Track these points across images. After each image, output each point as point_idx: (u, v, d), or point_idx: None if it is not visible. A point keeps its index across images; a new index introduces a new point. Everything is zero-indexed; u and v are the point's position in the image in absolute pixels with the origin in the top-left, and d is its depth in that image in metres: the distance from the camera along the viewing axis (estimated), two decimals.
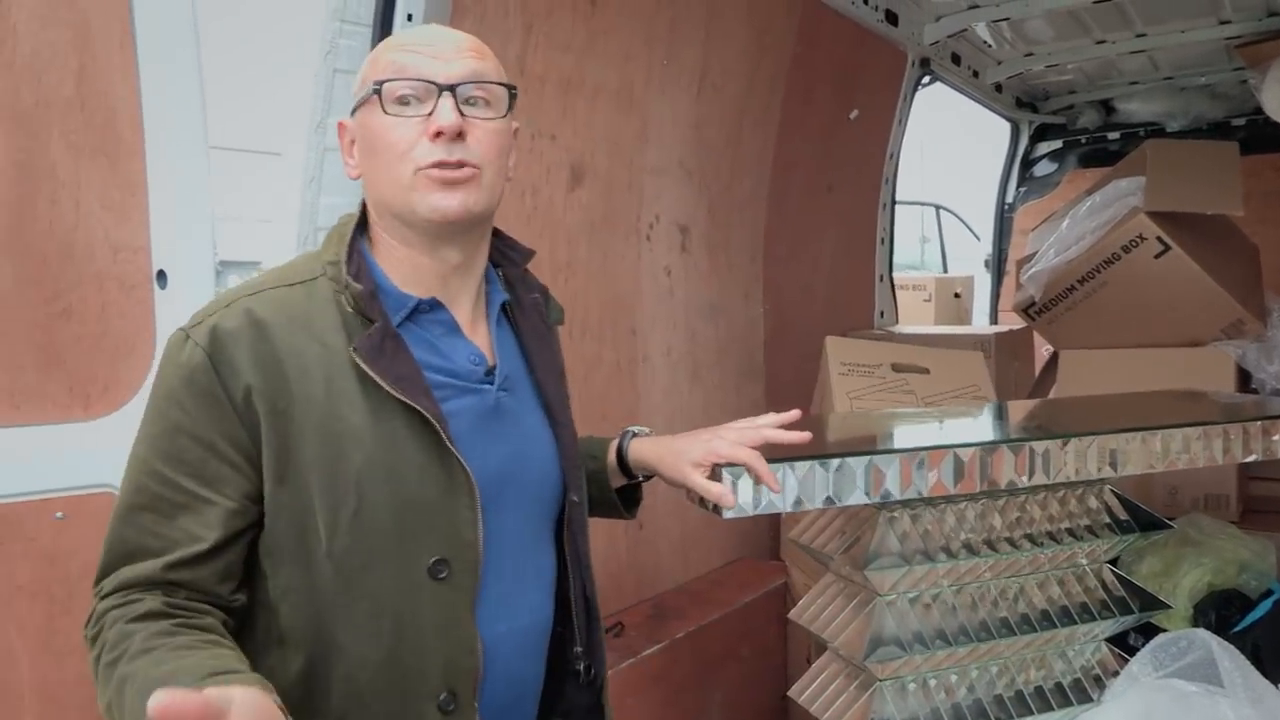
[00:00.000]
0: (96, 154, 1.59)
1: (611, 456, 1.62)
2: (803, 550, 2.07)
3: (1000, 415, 2.38)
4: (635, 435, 1.63)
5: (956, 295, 6.53)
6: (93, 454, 1.58)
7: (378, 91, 1.26)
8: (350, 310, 1.26)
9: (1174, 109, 5.06)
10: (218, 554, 1.21)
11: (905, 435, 2.02)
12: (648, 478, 1.63)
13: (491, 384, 1.35)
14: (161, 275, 1.67)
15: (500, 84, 1.33)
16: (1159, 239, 3.21)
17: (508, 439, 1.35)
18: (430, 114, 1.26)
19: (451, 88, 1.26)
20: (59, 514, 1.56)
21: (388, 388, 1.22)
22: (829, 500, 1.63)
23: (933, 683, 1.95)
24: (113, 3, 1.58)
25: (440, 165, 1.26)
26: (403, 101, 1.27)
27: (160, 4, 1.63)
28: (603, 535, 1.44)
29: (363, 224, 1.36)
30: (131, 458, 1.24)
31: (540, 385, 1.44)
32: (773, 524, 3.40)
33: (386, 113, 1.26)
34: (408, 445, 1.24)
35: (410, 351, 1.27)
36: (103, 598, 1.20)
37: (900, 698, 1.92)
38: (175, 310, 1.65)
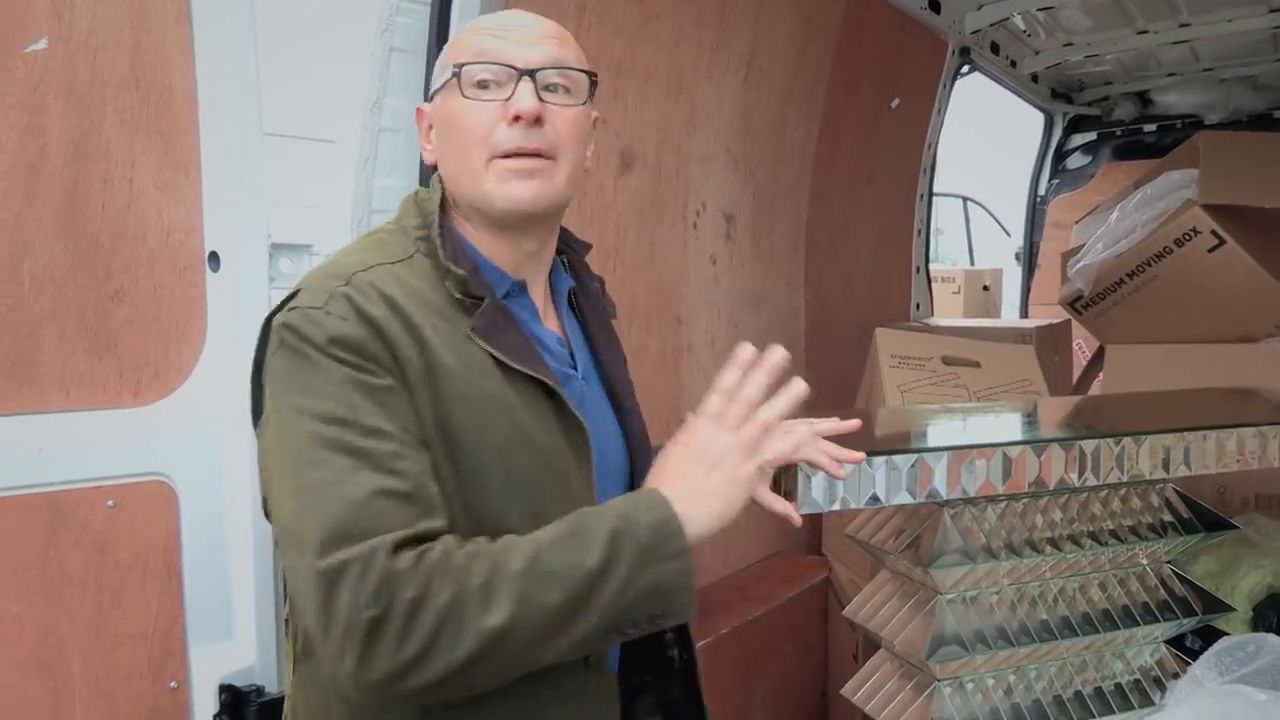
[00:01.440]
0: (150, 133, 1.55)
1: None
2: (861, 547, 2.03)
3: (1062, 412, 2.33)
4: None
5: (985, 288, 6.50)
6: (143, 441, 1.56)
7: (457, 75, 1.25)
8: (457, 295, 1.24)
9: (1213, 100, 4.99)
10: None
11: (975, 431, 1.98)
12: None
13: (576, 370, 1.36)
14: (214, 257, 1.63)
15: (581, 70, 1.31)
16: (1213, 233, 3.15)
17: (589, 424, 1.33)
18: (509, 99, 1.24)
19: (531, 73, 1.24)
20: (110, 502, 1.53)
21: (509, 361, 1.23)
22: (905, 497, 1.59)
23: (990, 682, 1.92)
24: None
25: (517, 153, 1.24)
26: (482, 85, 1.25)
27: None
28: None
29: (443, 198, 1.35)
30: (309, 441, 1.12)
31: (607, 374, 1.43)
32: (813, 517, 3.36)
33: (465, 96, 1.25)
34: (538, 412, 1.25)
35: (520, 322, 1.29)
36: (388, 556, 1.07)
37: (959, 698, 1.89)
38: (227, 293, 1.62)
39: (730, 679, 2.68)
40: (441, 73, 1.30)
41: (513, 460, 1.21)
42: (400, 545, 1.07)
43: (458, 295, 1.24)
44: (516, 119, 1.23)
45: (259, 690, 1.65)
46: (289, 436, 1.14)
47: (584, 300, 1.45)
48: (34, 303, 1.43)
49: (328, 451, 1.11)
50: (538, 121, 1.24)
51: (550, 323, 1.38)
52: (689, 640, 1.48)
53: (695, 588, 1.16)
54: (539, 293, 1.37)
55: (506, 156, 1.25)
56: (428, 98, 1.35)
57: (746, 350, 1.26)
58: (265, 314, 1.57)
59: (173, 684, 1.60)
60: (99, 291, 1.51)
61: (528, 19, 1.32)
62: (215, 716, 1.64)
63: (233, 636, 1.66)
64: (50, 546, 1.46)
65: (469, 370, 1.21)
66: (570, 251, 1.47)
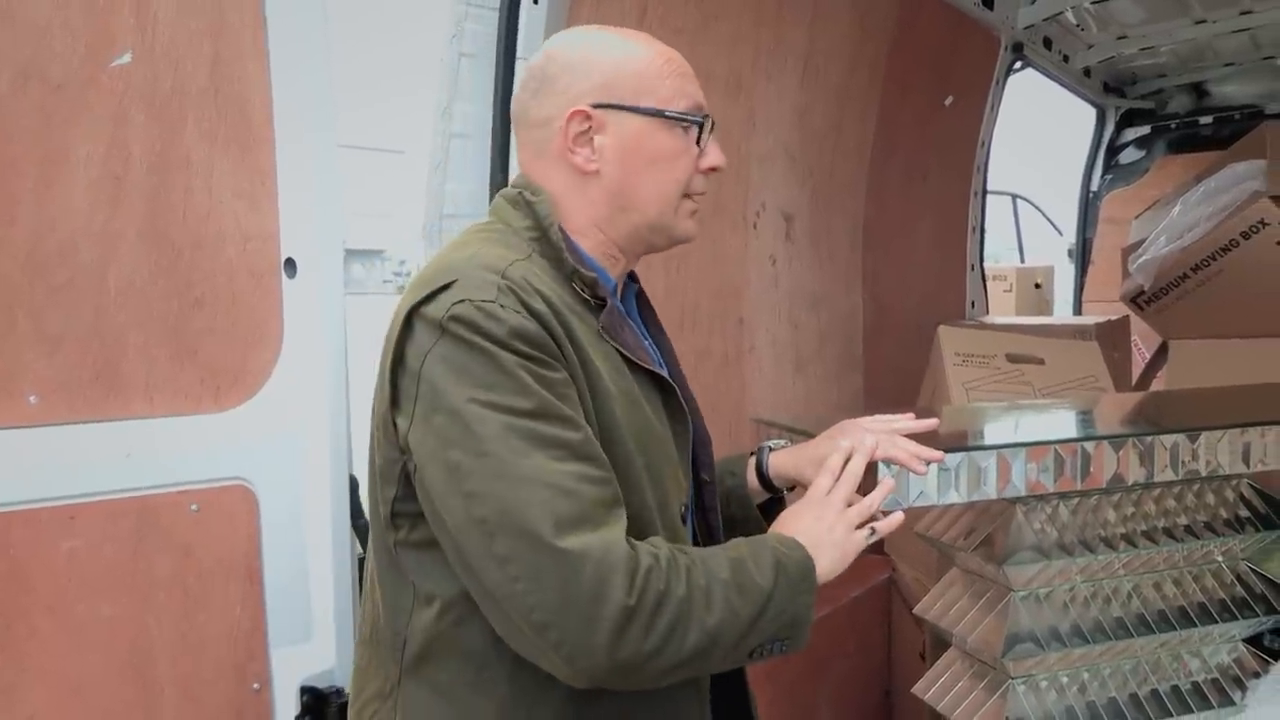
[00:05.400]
0: (229, 142, 1.57)
1: (751, 474, 1.61)
2: (931, 545, 2.01)
3: (1130, 408, 2.31)
4: (773, 450, 1.61)
5: (1037, 286, 6.43)
6: (224, 446, 1.57)
7: (700, 125, 1.35)
8: (585, 295, 1.28)
9: (1276, 90, 4.91)
10: None
11: (1046, 428, 1.96)
12: (790, 489, 1.60)
13: (664, 366, 1.41)
14: (290, 264, 1.65)
15: None
16: None
17: None
18: (700, 146, 1.36)
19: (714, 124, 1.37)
20: (194, 506, 1.55)
21: (634, 358, 1.29)
22: (983, 492, 1.59)
23: (1065, 680, 1.90)
24: None
25: (700, 196, 1.38)
26: (694, 131, 1.35)
27: None
28: None
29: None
30: (505, 431, 1.13)
31: (670, 371, 1.44)
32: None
33: (697, 145, 1.35)
34: (655, 405, 1.32)
35: (631, 322, 1.37)
36: (631, 546, 1.14)
37: (1034, 696, 1.87)
38: (303, 299, 1.64)
39: (795, 679, 2.68)
40: (635, 94, 1.32)
41: (647, 452, 1.27)
42: (632, 538, 1.15)
43: (585, 296, 1.28)
44: (712, 171, 1.37)
45: (339, 692, 1.67)
46: (477, 428, 1.12)
47: (643, 302, 1.50)
48: (118, 311, 1.46)
49: (528, 442, 1.12)
50: None
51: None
52: None
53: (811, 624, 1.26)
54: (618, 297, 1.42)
55: (690, 197, 1.37)
56: (593, 104, 1.32)
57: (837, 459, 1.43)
58: (345, 317, 1.59)
59: (255, 685, 1.62)
60: (180, 299, 1.52)
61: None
62: (297, 718, 1.66)
63: (312, 639, 1.68)
64: (138, 550, 1.48)
65: (607, 366, 1.26)
66: None
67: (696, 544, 1.44)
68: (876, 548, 3.25)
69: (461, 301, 1.16)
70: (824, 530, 1.33)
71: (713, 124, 1.36)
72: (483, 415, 1.12)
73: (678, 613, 1.13)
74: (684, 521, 1.36)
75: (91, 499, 1.44)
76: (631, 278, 1.48)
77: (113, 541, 1.46)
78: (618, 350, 1.28)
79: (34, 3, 1.35)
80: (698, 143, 1.35)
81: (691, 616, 1.14)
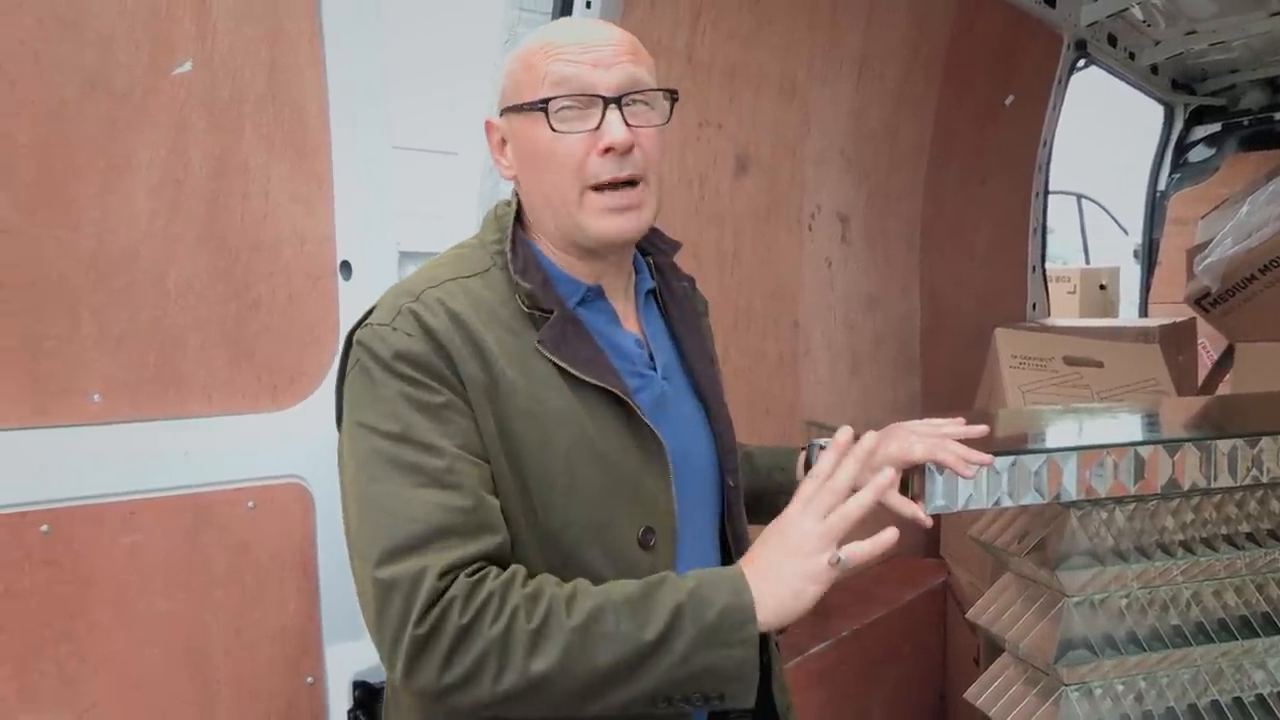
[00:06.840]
0: (286, 147, 1.60)
1: (800, 471, 1.60)
2: (984, 549, 2.00)
3: (1191, 412, 2.26)
4: (821, 449, 1.58)
5: (1102, 287, 6.32)
6: (280, 445, 1.60)
7: (543, 109, 1.25)
8: (526, 308, 1.26)
9: None
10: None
11: (1102, 431, 1.93)
12: None
13: (656, 371, 1.37)
14: (346, 266, 1.68)
15: (660, 90, 1.31)
16: None
17: (673, 424, 1.34)
18: (597, 127, 1.25)
19: (617, 100, 1.25)
20: (250, 503, 1.58)
21: (577, 373, 1.24)
22: (1034, 497, 1.57)
23: (1120, 688, 1.87)
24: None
25: (612, 185, 1.26)
26: (567, 112, 1.26)
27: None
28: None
29: (517, 212, 1.36)
30: (370, 456, 1.18)
31: (693, 372, 1.44)
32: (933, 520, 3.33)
33: (555, 129, 1.25)
34: (606, 422, 1.26)
35: (590, 333, 1.29)
36: (439, 576, 1.11)
37: (1088, 704, 1.84)
38: (359, 301, 1.67)
39: (850, 681, 2.67)
40: (515, 93, 1.30)
41: (575, 471, 1.23)
42: (454, 567, 1.12)
43: (526, 309, 1.26)
44: (608, 151, 1.24)
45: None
46: (353, 451, 1.20)
47: (669, 299, 1.46)
48: (178, 312, 1.49)
49: (387, 467, 1.16)
50: (629, 149, 1.25)
51: (630, 324, 1.39)
52: (766, 642, 1.43)
53: (755, 678, 1.15)
54: (619, 295, 1.38)
55: (600, 189, 1.26)
56: (499, 112, 1.35)
57: (845, 434, 1.25)
58: None
59: (309, 679, 1.64)
60: (238, 301, 1.56)
61: (599, 32, 1.31)
62: (349, 712, 1.68)
63: (365, 635, 1.70)
64: (195, 546, 1.51)
65: (533, 383, 1.23)
66: (657, 252, 1.48)
67: (725, 553, 1.43)
68: (932, 550, 3.26)
69: (367, 326, 1.23)
70: (780, 561, 1.18)
71: (606, 103, 1.25)
72: (359, 437, 1.20)
73: (485, 650, 1.10)
74: (646, 547, 1.27)
75: (151, 495, 1.47)
76: (662, 274, 1.46)
77: (171, 537, 1.49)
78: (557, 365, 1.24)
79: (101, 13, 1.38)
80: (552, 129, 1.24)
81: (508, 656, 1.10)
